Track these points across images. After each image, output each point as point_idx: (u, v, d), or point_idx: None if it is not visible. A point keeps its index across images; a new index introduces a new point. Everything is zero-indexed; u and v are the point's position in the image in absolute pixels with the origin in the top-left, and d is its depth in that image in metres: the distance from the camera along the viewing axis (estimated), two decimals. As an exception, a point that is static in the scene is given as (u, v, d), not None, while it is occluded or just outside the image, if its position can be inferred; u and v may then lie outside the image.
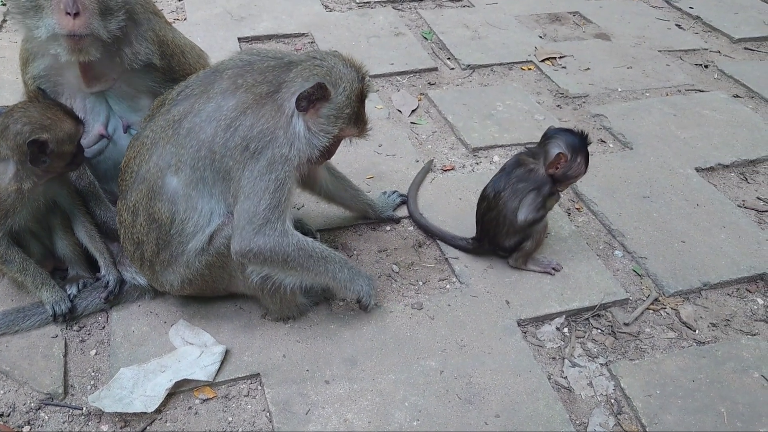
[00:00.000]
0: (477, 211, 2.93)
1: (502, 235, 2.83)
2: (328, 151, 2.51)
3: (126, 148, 2.57)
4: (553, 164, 2.75)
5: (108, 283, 2.67)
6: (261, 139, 2.30)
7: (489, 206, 2.84)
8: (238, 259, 2.38)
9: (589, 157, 2.82)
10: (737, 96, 4.43)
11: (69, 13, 2.33)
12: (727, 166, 3.73)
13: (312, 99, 2.32)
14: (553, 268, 2.94)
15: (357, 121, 2.50)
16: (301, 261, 2.41)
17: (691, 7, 5.62)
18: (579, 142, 2.76)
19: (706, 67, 4.79)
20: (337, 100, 2.38)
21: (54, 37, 2.39)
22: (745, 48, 5.08)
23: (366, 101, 2.54)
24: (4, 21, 4.86)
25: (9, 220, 2.49)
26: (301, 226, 3.01)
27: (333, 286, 2.56)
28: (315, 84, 2.30)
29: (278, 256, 2.36)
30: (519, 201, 2.76)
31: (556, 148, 2.74)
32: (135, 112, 2.73)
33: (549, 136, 2.83)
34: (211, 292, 2.66)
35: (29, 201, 2.51)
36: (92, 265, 2.79)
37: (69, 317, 2.62)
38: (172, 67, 2.74)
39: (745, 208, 3.44)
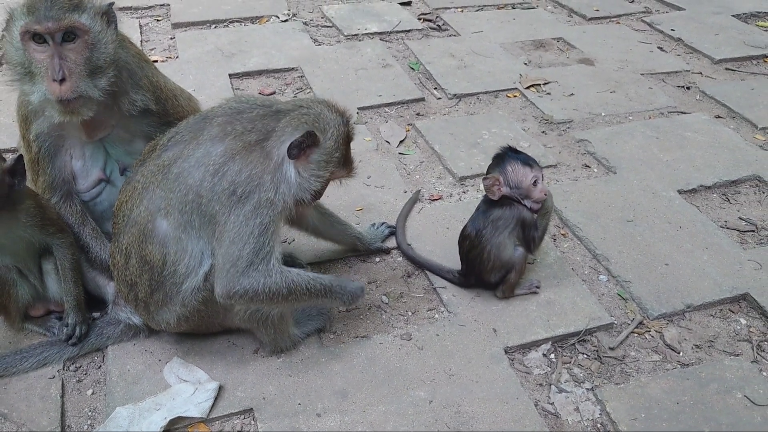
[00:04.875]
0: (460, 249, 3.00)
1: (488, 271, 2.91)
2: (319, 193, 2.59)
3: None
4: (490, 191, 2.85)
5: (68, 324, 2.72)
6: (248, 183, 2.37)
7: (472, 244, 2.92)
8: (223, 301, 2.44)
9: (527, 159, 2.87)
10: (719, 117, 4.53)
11: (56, 80, 2.44)
12: (709, 188, 3.81)
13: (303, 147, 2.42)
14: (536, 287, 3.03)
15: (345, 163, 2.61)
16: (286, 294, 2.46)
17: (672, 30, 5.75)
18: (505, 158, 2.87)
19: (688, 88, 4.90)
20: (326, 145, 2.48)
21: (47, 101, 2.51)
22: (726, 68, 5.19)
23: (351, 144, 2.64)
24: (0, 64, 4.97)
25: None
26: (291, 260, 3.08)
27: (317, 305, 2.73)
28: (305, 132, 2.40)
29: (263, 294, 2.42)
30: (501, 236, 2.85)
31: (485, 178, 2.87)
32: (130, 155, 2.82)
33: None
34: (207, 328, 2.73)
35: None
36: (94, 306, 2.87)
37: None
38: (167, 110, 2.85)
39: (727, 228, 3.51)
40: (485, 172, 2.97)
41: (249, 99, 2.61)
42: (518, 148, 2.97)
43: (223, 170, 2.38)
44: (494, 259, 2.88)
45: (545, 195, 2.89)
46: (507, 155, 2.89)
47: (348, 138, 2.58)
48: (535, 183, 2.85)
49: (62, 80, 2.44)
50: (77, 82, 2.48)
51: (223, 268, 2.40)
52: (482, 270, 2.92)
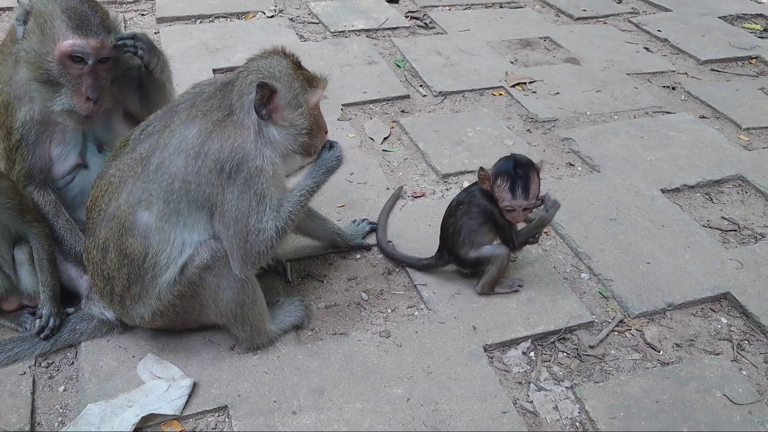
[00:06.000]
0: (441, 222, 3.01)
1: (459, 244, 2.90)
2: (317, 125, 2.57)
3: (97, 172, 2.64)
4: (480, 180, 2.87)
5: (41, 316, 2.68)
6: (233, 157, 2.38)
7: (449, 212, 2.95)
8: (246, 275, 2.51)
9: (518, 185, 2.75)
10: (703, 117, 4.53)
11: (90, 99, 2.52)
12: (692, 187, 3.80)
13: (265, 101, 2.39)
14: (519, 286, 3.01)
15: (311, 83, 2.54)
16: (291, 225, 2.53)
17: (659, 30, 5.75)
18: (504, 166, 2.81)
19: (673, 89, 4.90)
20: (283, 84, 2.46)
21: (71, 112, 2.57)
22: (712, 69, 5.20)
23: (301, 63, 2.59)
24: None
25: None
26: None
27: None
28: (255, 87, 2.38)
29: (275, 244, 2.48)
30: (472, 221, 2.89)
31: (482, 168, 2.85)
32: (109, 130, 2.82)
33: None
34: (182, 324, 2.68)
35: None
36: (67, 301, 2.82)
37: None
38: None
39: (709, 227, 3.50)
40: (493, 164, 2.92)
41: (203, 82, 2.63)
42: (520, 161, 2.86)
43: (204, 151, 2.37)
44: (465, 235, 2.87)
45: (516, 222, 2.87)
46: (509, 168, 2.78)
47: (297, 64, 2.55)
48: (509, 210, 2.80)
49: (96, 99, 2.53)
50: (106, 98, 2.60)
51: (239, 246, 2.44)
52: (454, 242, 2.91)
